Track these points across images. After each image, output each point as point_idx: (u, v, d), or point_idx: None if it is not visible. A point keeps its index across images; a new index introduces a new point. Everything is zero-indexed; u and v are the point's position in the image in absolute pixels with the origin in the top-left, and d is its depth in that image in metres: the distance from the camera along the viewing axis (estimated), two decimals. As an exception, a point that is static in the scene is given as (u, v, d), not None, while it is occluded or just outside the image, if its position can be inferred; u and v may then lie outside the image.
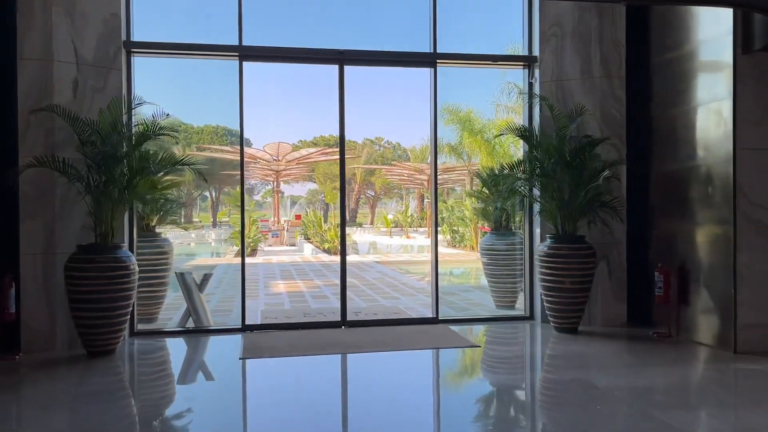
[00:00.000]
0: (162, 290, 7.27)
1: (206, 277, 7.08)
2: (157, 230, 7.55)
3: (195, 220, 59.10)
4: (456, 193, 43.78)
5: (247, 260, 16.66)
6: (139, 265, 6.87)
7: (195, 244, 30.59)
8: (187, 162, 6.04)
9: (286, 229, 28.67)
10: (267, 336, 6.32)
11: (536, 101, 6.95)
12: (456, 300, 9.08)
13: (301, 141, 49.03)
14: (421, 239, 30.18)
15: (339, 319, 6.91)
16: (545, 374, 5.13)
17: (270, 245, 28.13)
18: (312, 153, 33.96)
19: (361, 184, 55.11)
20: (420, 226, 45.21)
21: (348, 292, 9.90)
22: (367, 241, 32.73)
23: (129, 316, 5.77)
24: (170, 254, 7.38)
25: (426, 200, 34.20)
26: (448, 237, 23.00)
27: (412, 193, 59.60)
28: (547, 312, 6.54)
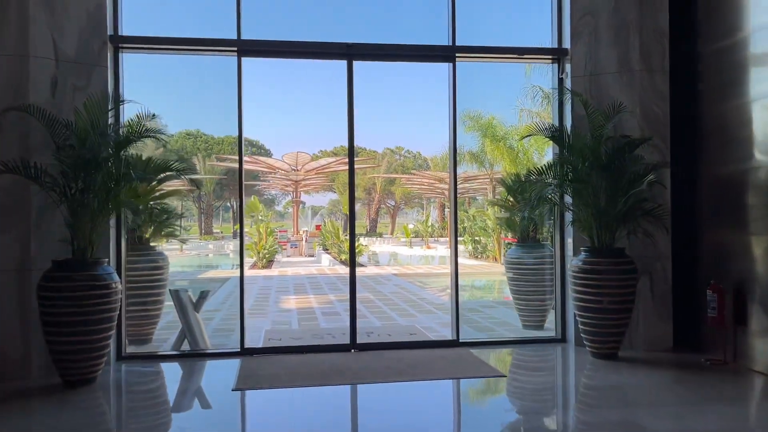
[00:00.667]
0: (156, 309, 6.66)
1: (203, 295, 6.46)
2: (152, 243, 6.96)
3: (216, 231, 59.21)
4: (477, 203, 42.97)
5: (261, 273, 16.10)
6: (131, 282, 6.32)
7: (213, 255, 30.21)
8: (175, 168, 5.44)
9: (305, 239, 28.14)
10: (267, 361, 5.66)
11: (567, 98, 6.24)
12: (478, 318, 8.34)
13: (321, 151, 48.51)
14: (442, 250, 29.40)
15: (348, 341, 6.23)
16: (582, 414, 4.38)
17: (289, 256, 27.65)
18: (331, 162, 33.46)
19: (381, 194, 54.51)
20: (441, 236, 44.44)
21: (362, 309, 9.27)
22: (387, 251, 32.05)
23: (111, 341, 5.15)
24: (165, 269, 6.77)
25: (447, 210, 33.46)
26: (470, 248, 22.22)
27: (433, 202, 58.91)
28: (582, 335, 5.78)
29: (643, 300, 5.93)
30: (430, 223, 34.02)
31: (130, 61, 6.06)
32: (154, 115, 5.29)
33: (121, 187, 5.14)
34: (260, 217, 21.95)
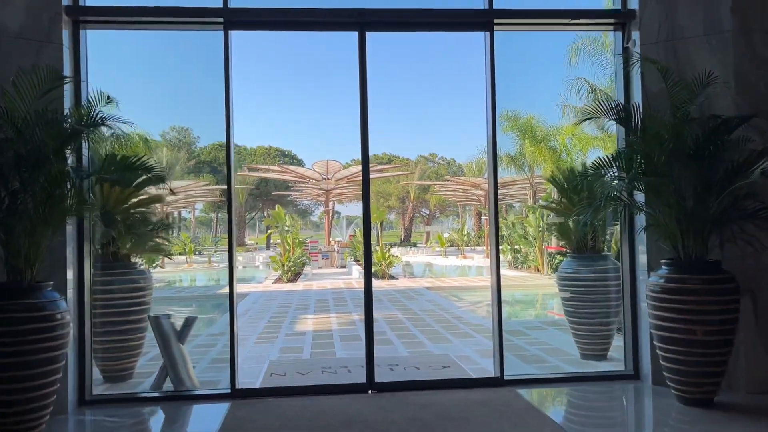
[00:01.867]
0: (137, 338, 5.56)
1: (188, 323, 5.32)
2: (135, 260, 5.89)
3: (249, 242, 58.66)
4: (515, 210, 41.37)
5: (285, 287, 14.99)
6: (105, 307, 5.25)
7: (243, 267, 29.40)
8: (140, 165, 4.33)
9: (336, 250, 27.08)
10: (261, 408, 4.48)
11: (636, 69, 4.93)
12: (524, 343, 7.02)
13: (354, 160, 47.30)
14: (479, 259, 27.94)
15: (365, 380, 5.00)
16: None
17: (320, 267, 26.59)
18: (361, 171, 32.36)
19: (415, 202, 53.21)
20: (477, 245, 42.87)
21: (387, 332, 8.05)
22: (422, 261, 30.71)
23: (58, 386, 4.03)
24: (148, 291, 5.67)
25: (483, 217, 31.98)
26: (509, 257, 20.78)
27: (468, 210, 57.35)
28: (666, 373, 4.44)
29: (744, 327, 4.56)
30: (465, 232, 32.57)
31: (98, 40, 5.01)
32: (109, 98, 4.18)
33: (68, 191, 4.04)
34: (286, 228, 20.91)
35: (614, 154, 4.82)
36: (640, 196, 4.85)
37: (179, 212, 60.85)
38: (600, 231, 6.01)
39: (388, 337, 7.66)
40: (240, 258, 33.95)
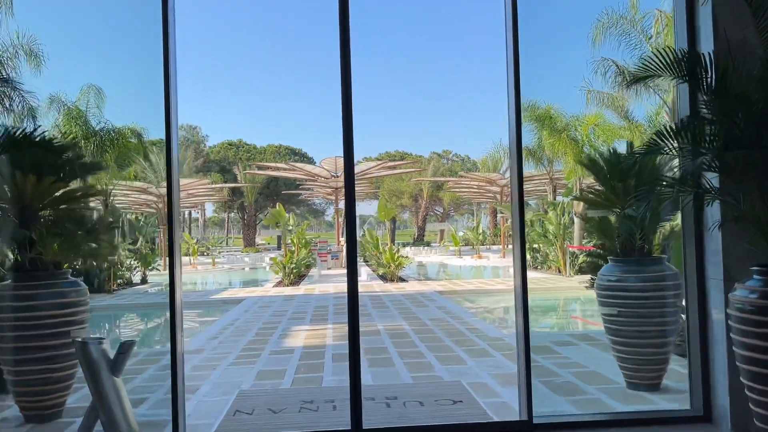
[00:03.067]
0: (66, 367, 4.42)
1: (124, 349, 4.14)
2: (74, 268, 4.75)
3: (261, 242, 57.69)
4: (531, 207, 39.87)
5: (285, 291, 13.81)
6: (22, 328, 4.14)
7: (249, 269, 28.35)
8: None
9: (344, 250, 25.98)
10: (203, 471, 3.30)
11: (707, 10, 3.68)
12: (553, 364, 5.79)
13: (365, 158, 46.32)
14: (495, 259, 26.64)
15: (350, 425, 3.80)
16: None
17: (329, 268, 25.49)
18: (372, 168, 31.16)
19: (429, 200, 51.92)
20: (493, 244, 41.49)
21: (389, 348, 6.80)
22: (435, 262, 29.46)
23: None
24: (81, 307, 4.52)
25: (500, 215, 30.60)
26: (528, 256, 19.48)
27: (483, 208, 55.97)
28: (760, 423, 3.20)
29: None
30: (480, 231, 31.23)
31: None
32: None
33: None
34: (289, 227, 19.77)
35: (678, 125, 3.58)
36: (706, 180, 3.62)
37: (189, 212, 60.18)
38: (650, 228, 4.75)
39: (390, 355, 6.45)
40: (247, 259, 32.93)
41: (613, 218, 4.94)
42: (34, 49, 12.17)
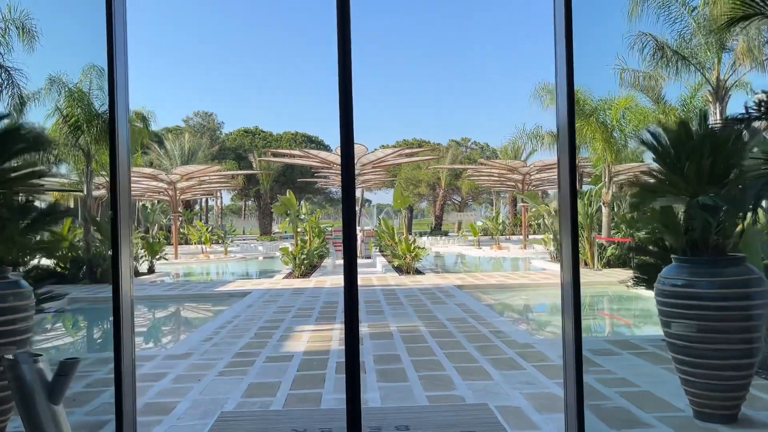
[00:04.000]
0: (3, 386, 3.61)
1: (66, 371, 3.30)
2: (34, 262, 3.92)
3: (277, 230, 57.21)
4: (549, 197, 38.77)
5: (295, 284, 12.99)
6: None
7: (263, 258, 27.65)
8: None
9: (361, 240, 25.07)
10: None
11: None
12: (597, 382, 4.88)
13: (382, 146, 45.35)
14: (515, 250, 25.61)
15: (346, 473, 2.94)
16: None
17: (344, 257, 24.69)
18: (388, 155, 30.17)
19: (447, 189, 50.83)
20: (512, 234, 40.37)
21: (401, 356, 5.92)
22: (453, 252, 28.50)
23: None
24: (21, 314, 3.69)
25: (520, 204, 29.45)
26: (550, 248, 18.48)
27: (503, 197, 54.81)
28: None
29: None
30: (500, 220, 30.15)
31: None
32: None
33: None
34: (301, 216, 18.94)
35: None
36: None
37: (206, 200, 59.79)
38: (729, 220, 3.79)
39: (403, 366, 5.57)
40: (260, 248, 32.26)
41: (681, 208, 3.98)
42: (27, 25, 11.40)
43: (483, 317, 8.25)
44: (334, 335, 7.24)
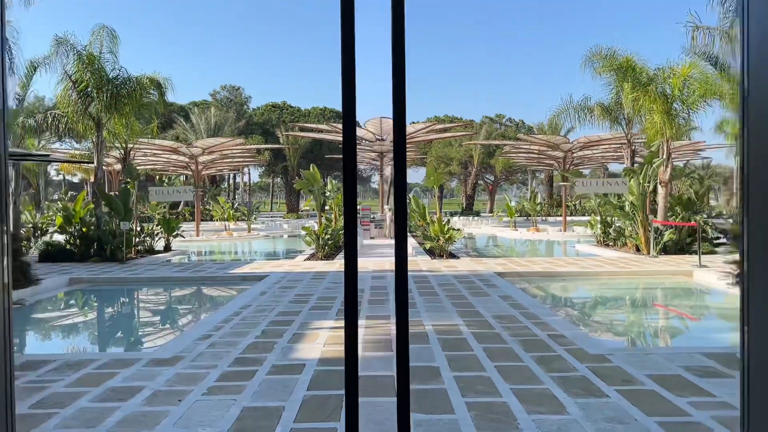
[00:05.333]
0: None
1: None
2: None
3: (305, 208, 56.28)
4: (583, 176, 36.89)
5: (317, 267, 11.77)
6: None
7: (288, 236, 26.62)
8: None
9: (391, 219, 23.86)
10: None
11: None
12: (707, 417, 3.52)
13: (412, 122, 43.78)
14: (554, 233, 24.05)
15: None
16: None
17: (373, 237, 23.57)
18: (420, 130, 28.69)
19: (479, 167, 49.11)
20: (548, 215, 38.61)
21: (440, 365, 4.63)
22: (486, 233, 27.05)
23: None
24: None
25: (561, 183, 27.72)
26: (597, 231, 16.92)
27: (538, 177, 52.86)
28: None
29: None
30: (539, 200, 28.49)
31: None
32: None
33: None
34: (326, 193, 17.71)
35: None
36: None
37: (234, 176, 59.05)
38: None
39: (445, 387, 4.27)
40: (285, 226, 31.24)
41: None
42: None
43: (535, 315, 6.91)
44: (359, 342, 5.99)
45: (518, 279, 10.60)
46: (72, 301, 10.10)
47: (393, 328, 6.15)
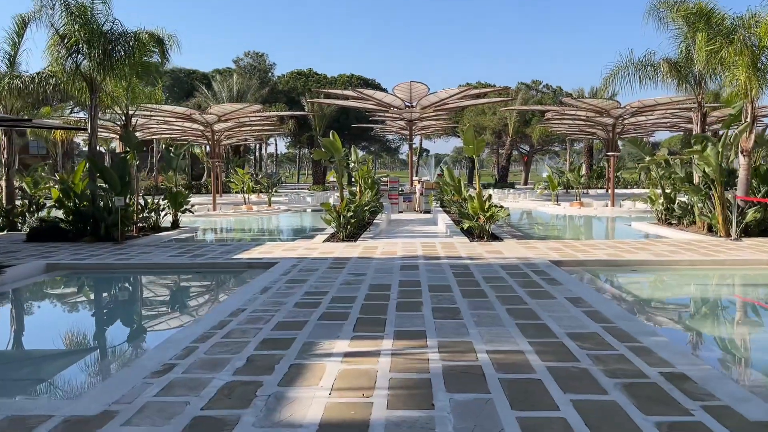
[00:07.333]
0: None
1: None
2: None
3: (330, 180, 54.55)
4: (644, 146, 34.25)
5: (337, 250, 8.77)
6: None
7: (311, 210, 24.92)
8: None
9: (420, 192, 21.98)
10: None
11: None
12: None
13: (445, 90, 41.42)
14: (600, 208, 21.89)
15: None
16: None
17: (401, 212, 21.77)
18: (451, 96, 26.50)
19: (514, 137, 46.63)
20: (590, 188, 36.20)
21: (501, 415, 2.71)
22: (522, 207, 24.99)
23: None
24: None
25: (610, 153, 25.36)
26: (658, 207, 14.79)
27: (576, 148, 50.12)
28: None
29: None
30: (582, 173, 26.20)
31: None
32: None
33: None
34: (350, 163, 15.85)
35: None
36: None
37: (258, 146, 57.41)
38: None
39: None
40: (309, 199, 29.55)
41: None
42: None
43: (627, 333, 5.00)
44: (381, 366, 4.16)
45: (582, 270, 8.66)
46: (30, 300, 8.36)
47: (437, 354, 4.32)
